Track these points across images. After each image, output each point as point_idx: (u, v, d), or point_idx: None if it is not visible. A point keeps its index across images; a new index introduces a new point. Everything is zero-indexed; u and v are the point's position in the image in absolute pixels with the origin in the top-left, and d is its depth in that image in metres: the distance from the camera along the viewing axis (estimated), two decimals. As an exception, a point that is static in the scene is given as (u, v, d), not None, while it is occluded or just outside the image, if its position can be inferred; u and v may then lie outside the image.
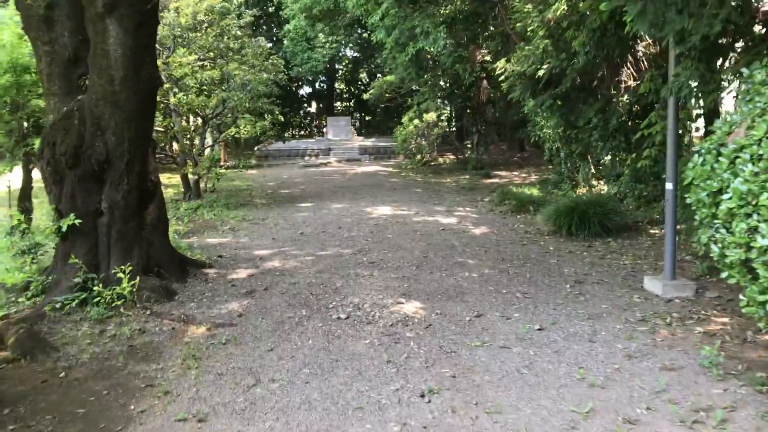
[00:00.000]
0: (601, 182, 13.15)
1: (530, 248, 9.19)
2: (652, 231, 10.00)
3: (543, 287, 7.12)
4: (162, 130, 14.40)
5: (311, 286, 7.20)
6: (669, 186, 6.77)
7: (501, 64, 10.85)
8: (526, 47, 10.10)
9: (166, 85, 12.92)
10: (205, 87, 14.30)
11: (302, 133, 40.59)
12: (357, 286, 7.17)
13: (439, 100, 21.19)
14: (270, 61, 14.78)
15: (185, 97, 12.74)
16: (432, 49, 14.01)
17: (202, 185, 15.69)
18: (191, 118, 16.13)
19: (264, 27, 35.78)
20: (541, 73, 9.82)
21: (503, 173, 19.76)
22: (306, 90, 41.10)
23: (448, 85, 20.75)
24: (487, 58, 21.05)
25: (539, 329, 5.72)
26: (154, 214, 7.45)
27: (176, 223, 11.67)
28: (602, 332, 5.64)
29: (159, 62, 12.94)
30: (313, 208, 13.50)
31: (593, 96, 10.39)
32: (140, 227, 7.19)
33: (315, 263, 8.34)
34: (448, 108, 23.43)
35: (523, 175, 19.09)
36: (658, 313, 6.18)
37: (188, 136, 15.63)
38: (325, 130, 33.99)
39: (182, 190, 15.54)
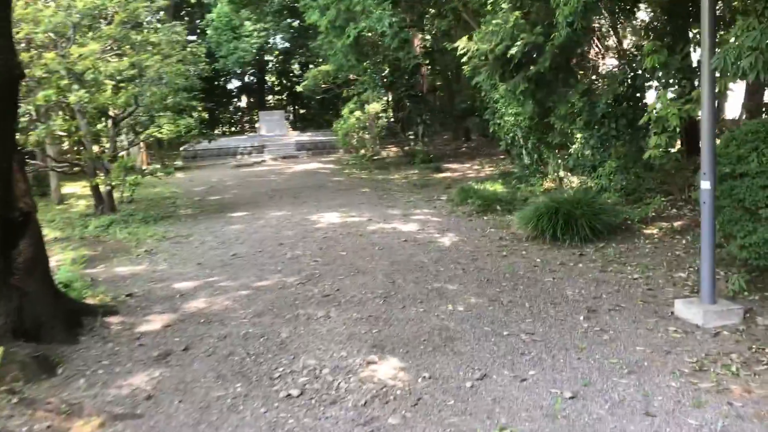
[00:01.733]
0: (569, 174, 11.76)
1: (514, 262, 7.62)
2: (647, 231, 8.62)
3: (550, 322, 5.54)
4: (64, 134, 12.15)
5: (248, 341, 5.38)
6: (706, 185, 5.28)
7: (462, 42, 9.21)
8: (494, 21, 8.50)
9: (65, 82, 10.72)
10: (113, 82, 12.14)
11: (233, 129, 38.17)
12: (310, 337, 5.40)
13: (380, 90, 19.47)
14: (188, 50, 12.69)
15: (86, 95, 10.57)
16: (377, 29, 12.26)
17: (117, 196, 13.51)
18: (104, 119, 13.88)
19: (186, 18, 33.19)
20: (513, 51, 8.24)
21: (454, 166, 18.24)
22: (235, 84, 38.65)
23: (389, 72, 19.07)
24: (428, 40, 19.50)
25: (571, 397, 4.11)
26: (27, 253, 5.46)
27: (78, 249, 9.59)
28: (657, 396, 4.08)
29: (53, 54, 10.78)
30: (247, 219, 11.59)
31: (572, 76, 8.89)
32: (6, 273, 5.22)
33: (252, 301, 6.50)
34: (389, 98, 21.69)
35: (476, 167, 17.63)
36: (711, 355, 4.70)
37: (97, 140, 13.45)
38: (257, 125, 31.81)
39: (94, 203, 13.30)
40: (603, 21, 8.81)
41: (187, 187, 17.08)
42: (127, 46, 12.33)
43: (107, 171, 12.27)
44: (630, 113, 8.46)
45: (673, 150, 8.28)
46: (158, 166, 22.14)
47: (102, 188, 12.51)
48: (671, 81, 7.64)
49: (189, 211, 12.98)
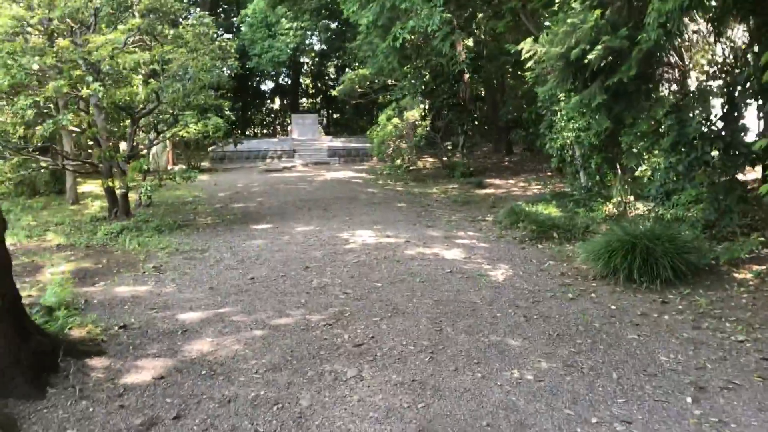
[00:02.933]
0: (631, 199, 10.40)
1: (585, 308, 6.32)
2: (738, 276, 7.23)
3: (649, 404, 4.24)
4: (77, 129, 11.16)
5: (257, 409, 4.17)
6: None
7: (527, 45, 7.94)
8: (568, 21, 7.22)
9: (77, 72, 9.72)
10: (138, 76, 11.15)
11: (264, 131, 37.30)
12: (337, 408, 4.17)
13: (419, 97, 18.24)
14: (217, 43, 11.62)
15: (101, 88, 9.55)
16: (427, 28, 11.04)
17: (135, 197, 12.53)
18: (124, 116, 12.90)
19: (222, 15, 32.46)
20: (592, 56, 6.95)
21: (497, 181, 16.94)
22: (268, 85, 37.79)
23: (430, 78, 17.85)
24: (471, 47, 18.20)
25: None
26: (-12, 279, 4.36)
27: (81, 260, 8.54)
28: None
29: (66, 42, 9.79)
30: (271, 233, 10.45)
31: (655, 88, 7.57)
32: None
33: (267, 346, 5.30)
34: (427, 105, 20.42)
35: (521, 184, 16.30)
36: None
37: (115, 138, 12.50)
38: (289, 128, 30.82)
39: (108, 206, 12.29)
40: (699, 26, 7.48)
41: (211, 191, 16.05)
42: (152, 38, 11.32)
43: (123, 172, 11.26)
44: (728, 136, 7.11)
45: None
46: (183, 167, 21.29)
47: (117, 191, 11.50)
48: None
49: (209, 219, 11.90)
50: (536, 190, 15.08)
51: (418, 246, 9.19)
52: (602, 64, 7.10)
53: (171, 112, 12.01)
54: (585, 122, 9.93)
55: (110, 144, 11.70)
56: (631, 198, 10.47)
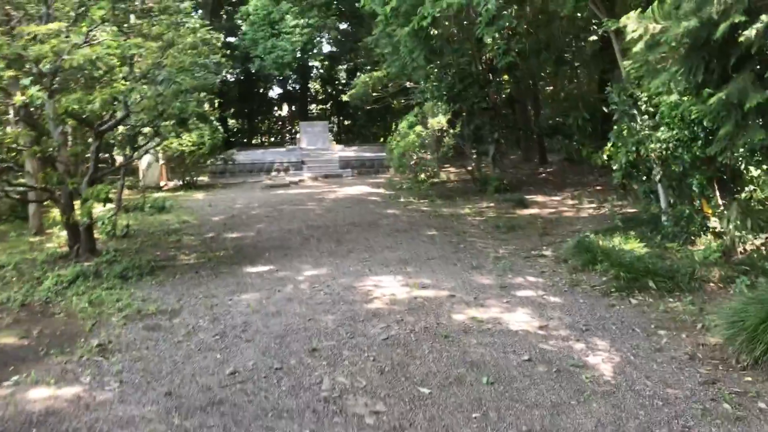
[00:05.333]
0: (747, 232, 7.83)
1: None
2: None
3: None
4: (20, 147, 8.80)
5: None
6: None
7: (631, 21, 5.41)
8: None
9: (9, 74, 7.33)
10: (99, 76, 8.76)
11: (272, 140, 34.92)
12: None
13: (444, 100, 15.67)
14: (199, 35, 9.15)
15: (41, 94, 7.16)
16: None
17: (108, 230, 10.15)
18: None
19: (225, 16, 30.07)
20: (751, 32, 4.43)
21: (539, 198, 14.40)
22: (276, 91, 35.45)
23: (457, 79, 15.32)
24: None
25: None
26: None
27: (2, 332, 6.15)
28: None
29: None
30: (268, 280, 7.98)
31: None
32: None
33: None
34: (452, 110, 17.79)
35: (569, 201, 13.75)
36: None
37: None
38: (298, 137, 28.42)
39: (68, 241, 9.88)
40: None
41: (203, 214, 13.61)
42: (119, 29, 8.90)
43: (83, 200, 8.84)
44: None
45: None
46: (177, 182, 18.92)
47: (80, 223, 9.07)
48: None
49: (192, 257, 9.45)
50: (591, 210, 12.52)
51: (467, 304, 6.67)
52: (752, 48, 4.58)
53: (145, 122, 9.59)
54: (686, 130, 7.41)
55: (68, 167, 9.31)
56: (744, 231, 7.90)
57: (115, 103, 8.51)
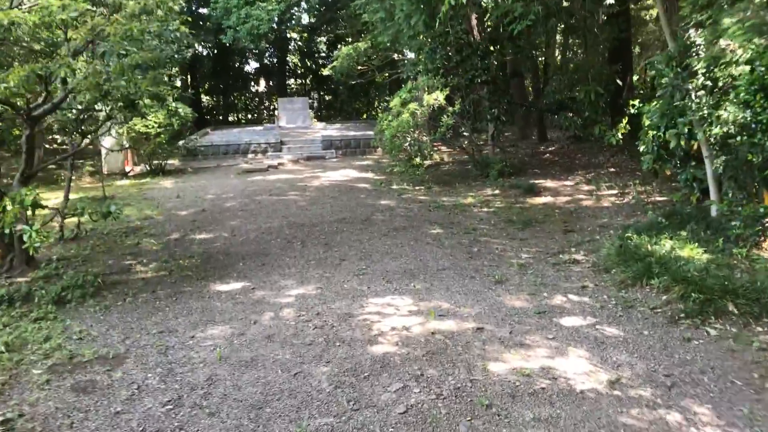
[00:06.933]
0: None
1: None
2: None
3: None
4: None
5: None
6: None
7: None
8: None
9: None
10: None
11: (249, 117, 32.92)
12: None
13: (440, 73, 13.93)
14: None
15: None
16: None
17: (35, 245, 8.36)
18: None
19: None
20: None
21: (549, 183, 12.83)
22: (253, 65, 33.33)
23: (454, 51, 13.59)
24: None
25: None
26: None
27: None
28: None
29: None
30: (241, 306, 6.34)
31: None
32: None
33: None
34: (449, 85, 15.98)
35: (586, 187, 12.18)
36: None
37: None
38: (276, 114, 26.52)
39: (4, 251, 8.13)
40: None
41: (170, 207, 11.86)
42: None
43: (21, 202, 7.08)
44: None
45: None
46: (144, 168, 17.07)
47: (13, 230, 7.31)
48: None
49: (150, 270, 7.75)
50: (613, 198, 10.98)
51: (503, 343, 5.10)
52: None
53: (87, 105, 7.82)
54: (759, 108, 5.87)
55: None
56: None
57: (44, 82, 6.73)
